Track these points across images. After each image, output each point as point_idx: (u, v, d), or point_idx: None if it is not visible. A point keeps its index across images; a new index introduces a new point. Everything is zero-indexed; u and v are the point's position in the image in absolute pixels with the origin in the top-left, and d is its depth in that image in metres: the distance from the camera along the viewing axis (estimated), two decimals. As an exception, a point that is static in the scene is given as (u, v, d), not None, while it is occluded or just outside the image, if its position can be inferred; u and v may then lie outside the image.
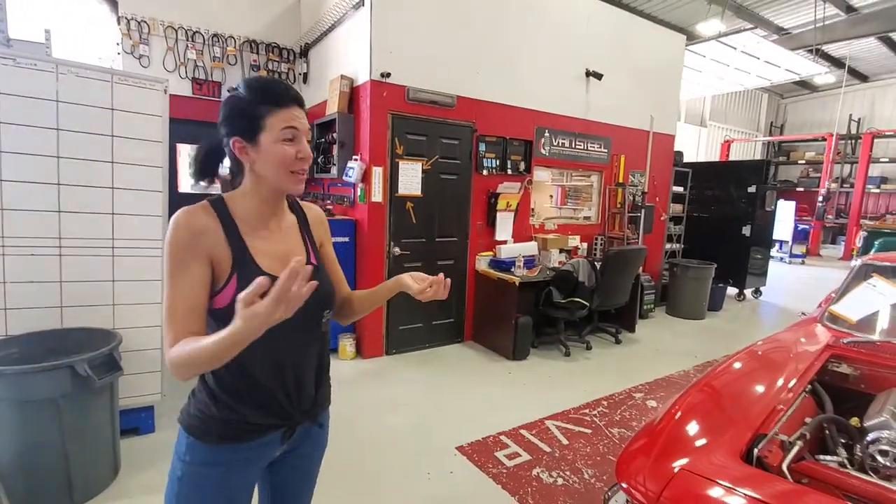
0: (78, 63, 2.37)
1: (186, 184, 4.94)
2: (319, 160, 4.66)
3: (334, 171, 4.28)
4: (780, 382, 1.76)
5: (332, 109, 4.25)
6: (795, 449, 1.39)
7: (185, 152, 4.94)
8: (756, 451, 1.36)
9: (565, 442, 2.89)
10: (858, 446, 1.55)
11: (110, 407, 2.31)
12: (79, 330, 2.39)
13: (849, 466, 1.48)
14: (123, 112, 2.46)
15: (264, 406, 1.04)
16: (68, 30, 4.33)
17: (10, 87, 2.19)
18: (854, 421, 1.68)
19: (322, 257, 1.20)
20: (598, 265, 4.55)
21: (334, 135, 4.25)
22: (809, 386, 1.81)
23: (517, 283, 4.14)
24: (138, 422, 2.72)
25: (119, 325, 2.51)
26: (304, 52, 5.22)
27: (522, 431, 2.99)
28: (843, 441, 1.62)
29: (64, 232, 2.37)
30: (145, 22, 4.48)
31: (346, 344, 4.10)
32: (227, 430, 1.02)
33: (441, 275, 1.14)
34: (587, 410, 3.33)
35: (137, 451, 2.56)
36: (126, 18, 4.42)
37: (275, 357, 1.03)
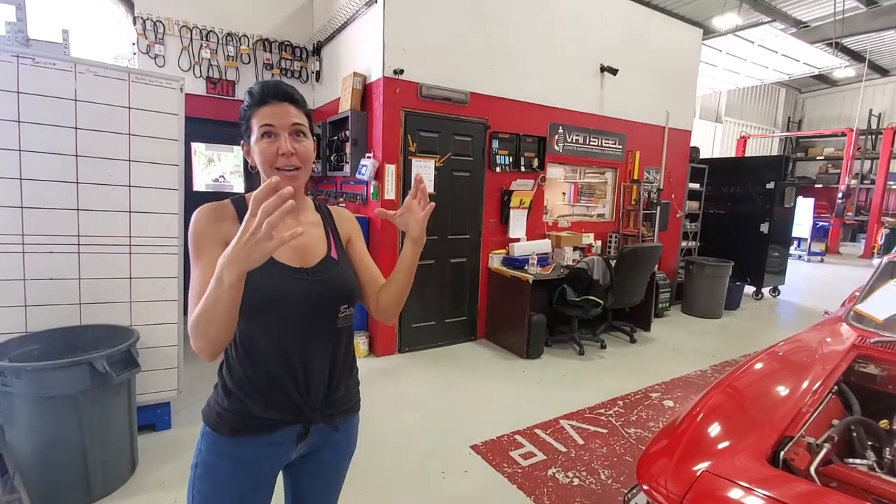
0: (96, 62, 2.39)
1: (201, 182, 4.99)
2: (332, 158, 4.67)
3: (347, 168, 4.28)
4: (806, 383, 1.71)
5: (345, 107, 4.25)
6: (823, 452, 1.35)
7: (200, 150, 4.99)
8: (782, 453, 1.32)
9: (581, 442, 2.86)
10: (888, 449, 1.50)
11: (128, 403, 2.33)
12: (97, 327, 2.42)
13: (878, 470, 1.44)
14: (140, 111, 2.48)
15: (272, 400, 1.03)
16: (85, 30, 4.39)
17: (30, 86, 2.21)
18: (883, 423, 1.63)
19: (350, 253, 1.19)
20: (612, 263, 4.50)
21: (347, 132, 4.25)
22: (836, 387, 1.76)
23: (531, 281, 4.11)
24: (155, 418, 2.74)
25: (136, 322, 2.54)
26: (317, 50, 5.23)
27: (537, 431, 2.97)
28: (871, 444, 1.58)
29: (82, 230, 2.39)
30: (161, 22, 4.52)
31: (359, 342, 4.11)
32: (237, 424, 1.03)
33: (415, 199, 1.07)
34: (603, 410, 3.29)
35: (154, 447, 2.58)
36: (142, 18, 4.45)
37: (281, 347, 1.03)
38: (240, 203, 1.05)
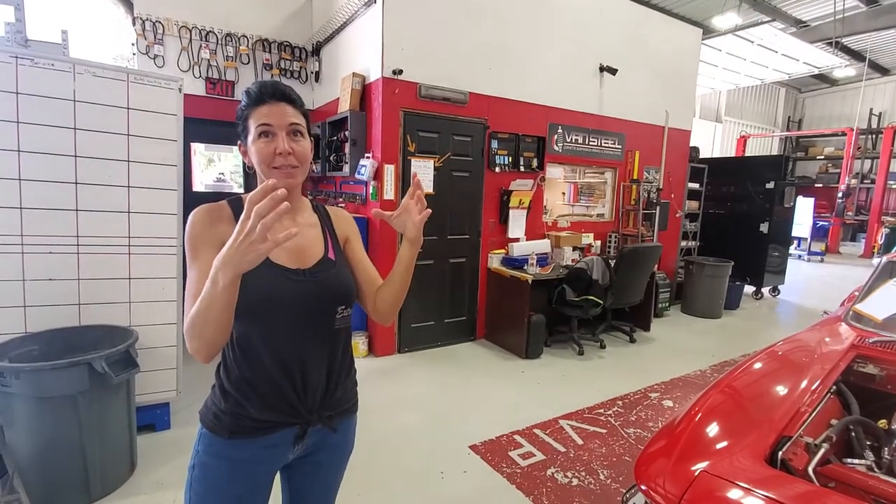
0: (94, 63, 2.39)
1: (200, 182, 4.99)
2: (331, 158, 4.67)
3: (346, 168, 4.28)
4: (804, 383, 1.71)
5: (344, 107, 4.25)
6: (821, 452, 1.35)
7: (199, 151, 4.99)
8: (780, 453, 1.32)
9: (580, 442, 2.86)
10: (886, 449, 1.50)
11: (127, 404, 2.33)
12: (96, 327, 2.42)
13: (876, 470, 1.43)
14: (139, 111, 2.48)
15: (270, 402, 1.03)
16: (85, 31, 4.39)
17: (29, 87, 2.21)
18: (881, 423, 1.63)
19: (348, 253, 1.19)
20: (612, 263, 4.50)
21: (346, 133, 4.25)
22: (834, 387, 1.76)
23: (530, 281, 4.11)
24: (154, 418, 2.74)
25: (135, 323, 2.54)
26: (316, 51, 5.23)
27: (536, 431, 2.97)
28: (869, 444, 1.58)
29: (81, 230, 2.39)
30: (160, 22, 4.52)
31: (359, 342, 4.10)
32: (235, 425, 1.03)
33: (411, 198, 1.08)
34: (602, 410, 3.29)
35: (153, 447, 2.58)
36: (141, 19, 4.45)
37: (278, 349, 1.02)
38: (236, 204, 1.05)
